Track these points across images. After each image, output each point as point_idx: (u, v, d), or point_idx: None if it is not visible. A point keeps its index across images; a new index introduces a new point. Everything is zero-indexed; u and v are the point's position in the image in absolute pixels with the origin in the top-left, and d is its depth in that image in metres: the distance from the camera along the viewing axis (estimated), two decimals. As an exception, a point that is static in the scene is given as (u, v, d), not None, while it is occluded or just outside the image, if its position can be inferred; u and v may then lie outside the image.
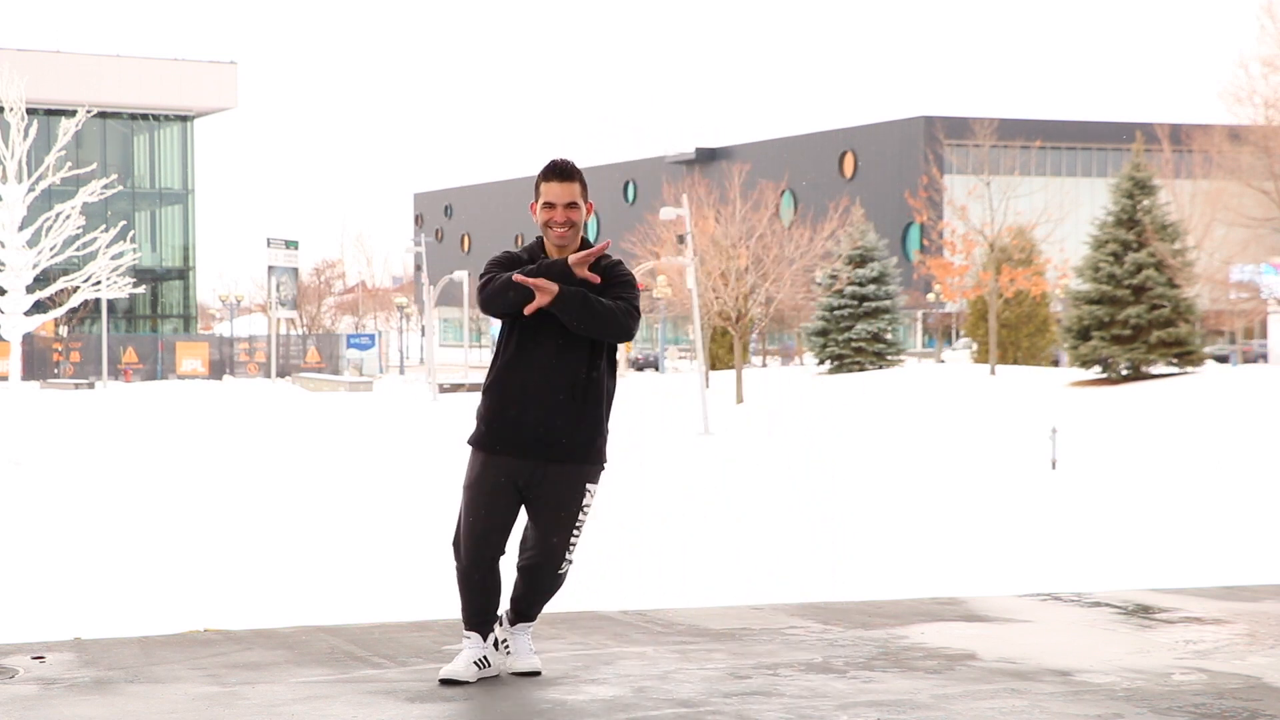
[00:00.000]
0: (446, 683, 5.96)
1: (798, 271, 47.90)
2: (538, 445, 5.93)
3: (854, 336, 54.61)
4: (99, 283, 28.55)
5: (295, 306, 76.54)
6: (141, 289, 33.43)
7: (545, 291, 5.76)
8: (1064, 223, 55.63)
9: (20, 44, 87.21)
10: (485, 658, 6.06)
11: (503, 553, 6.05)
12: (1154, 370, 42.99)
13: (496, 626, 6.16)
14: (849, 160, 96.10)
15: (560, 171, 5.96)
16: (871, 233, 56.56)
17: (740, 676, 6.12)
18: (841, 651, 6.60)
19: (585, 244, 6.03)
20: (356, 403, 46.96)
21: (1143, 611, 7.72)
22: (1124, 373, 43.04)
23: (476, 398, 6.22)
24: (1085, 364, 43.36)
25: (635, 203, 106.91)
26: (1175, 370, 42.96)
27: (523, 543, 6.10)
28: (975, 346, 61.69)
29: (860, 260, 55.70)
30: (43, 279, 37.62)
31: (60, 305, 31.03)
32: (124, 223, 37.53)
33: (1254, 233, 37.89)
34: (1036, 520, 15.01)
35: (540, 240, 6.06)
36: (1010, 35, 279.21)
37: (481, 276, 6.01)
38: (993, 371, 47.99)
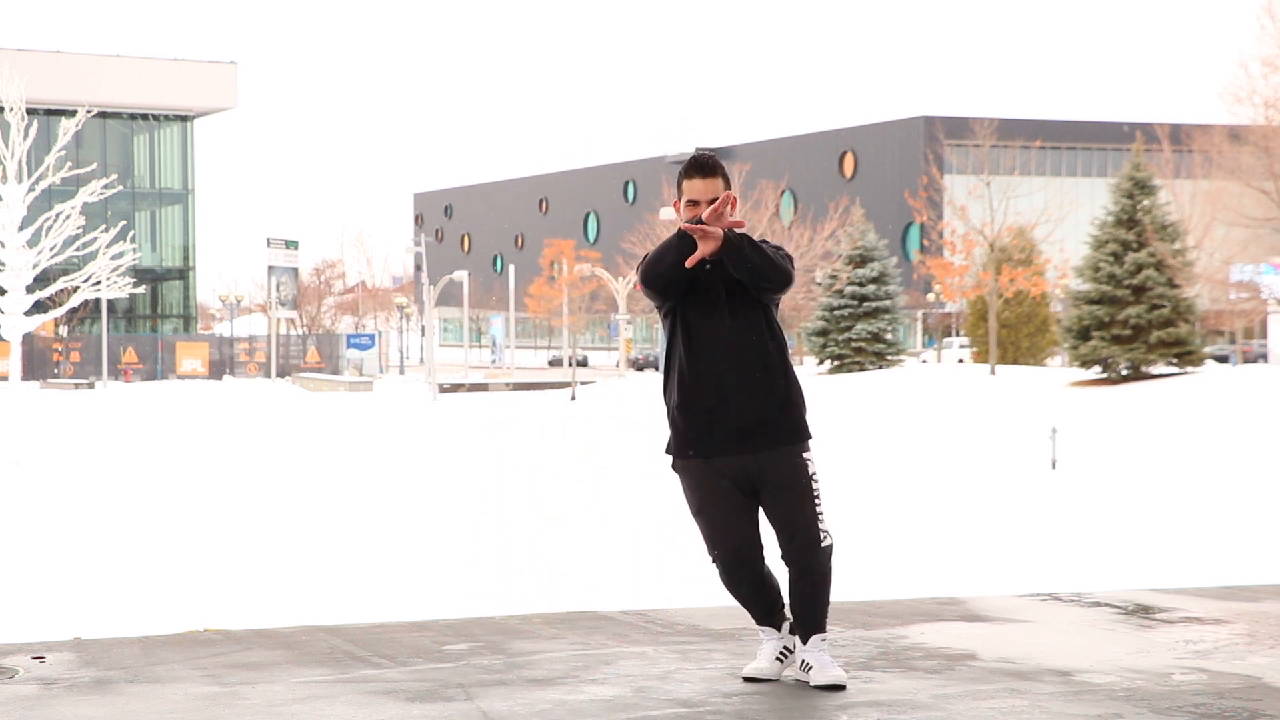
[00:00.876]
0: (750, 680, 5.93)
1: (798, 271, 47.95)
2: (749, 437, 5.75)
3: (854, 336, 54.63)
4: (99, 283, 28.56)
5: (295, 306, 76.55)
6: (141, 289, 33.43)
7: (711, 238, 5.54)
8: (1064, 223, 55.65)
9: (20, 44, 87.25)
10: (785, 648, 6.00)
11: (762, 551, 5.90)
12: (1154, 370, 43.00)
13: (796, 646, 5.97)
14: (849, 160, 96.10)
15: (703, 167, 5.82)
16: (871, 233, 56.59)
17: (740, 676, 6.11)
18: (841, 651, 6.60)
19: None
20: (356, 403, 46.96)
21: (1143, 611, 7.72)
22: (1124, 373, 43.05)
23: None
24: (1085, 364, 43.38)
25: (635, 203, 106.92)
26: (1175, 370, 42.97)
27: (779, 540, 5.89)
28: (954, 343, 61.83)
29: (860, 260, 55.71)
30: (43, 279, 37.62)
31: (60, 305, 31.05)
32: (124, 223, 37.54)
33: (1254, 233, 37.92)
34: (1036, 520, 15.00)
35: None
36: (1010, 35, 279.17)
37: (641, 263, 5.82)
38: (993, 371, 48.00)
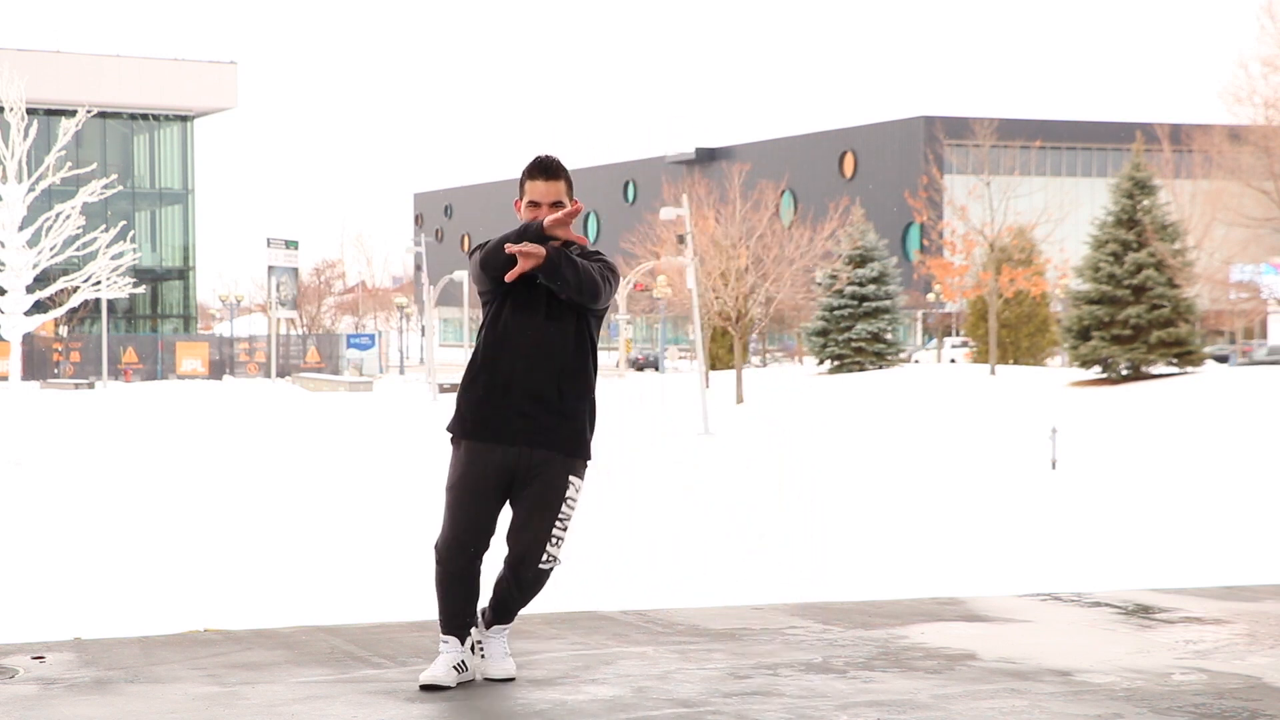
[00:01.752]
0: (428, 688, 5.89)
1: (798, 271, 47.91)
2: (524, 431, 5.86)
3: (854, 336, 54.64)
4: (99, 283, 28.55)
5: (295, 306, 76.56)
6: (141, 289, 33.43)
7: (533, 256, 5.66)
8: (1064, 223, 55.67)
9: (20, 44, 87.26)
10: (463, 662, 6.00)
11: (486, 549, 5.97)
12: (1154, 370, 43.00)
13: (472, 629, 6.08)
14: (849, 160, 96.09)
15: (545, 169, 5.92)
16: (871, 233, 56.60)
17: (740, 676, 6.12)
18: (841, 651, 6.60)
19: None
20: (356, 403, 46.96)
21: (1143, 611, 7.72)
22: (1124, 373, 43.05)
23: (456, 395, 6.18)
24: (1085, 364, 43.38)
25: (635, 203, 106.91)
26: (1175, 370, 42.98)
27: (508, 539, 6.02)
28: (948, 343, 61.82)
29: (860, 260, 55.72)
30: (43, 279, 37.63)
31: (60, 305, 31.04)
32: (124, 223, 37.53)
33: (1254, 233, 37.92)
34: (1036, 520, 15.00)
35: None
36: (1010, 35, 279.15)
37: (474, 250, 5.96)
38: (993, 371, 48.00)
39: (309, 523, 14.76)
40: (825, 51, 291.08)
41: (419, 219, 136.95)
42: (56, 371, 64.82)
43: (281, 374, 67.66)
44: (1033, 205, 55.89)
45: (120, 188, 40.79)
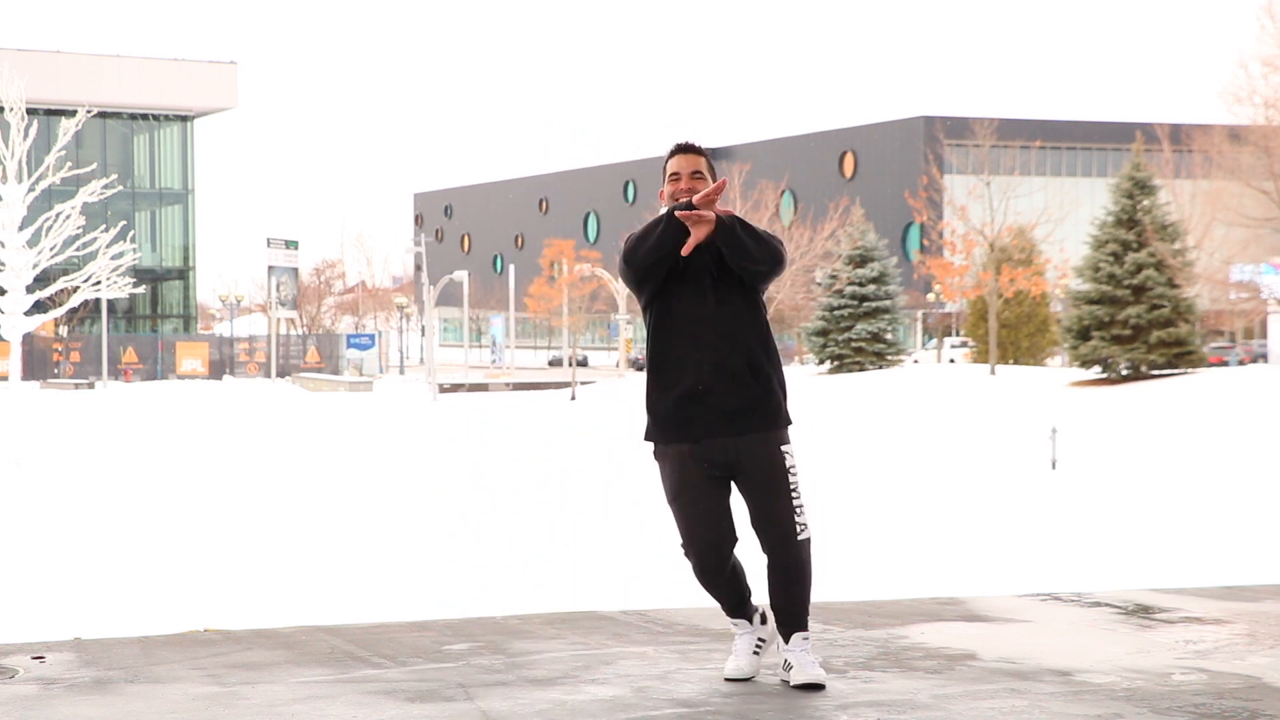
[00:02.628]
0: (732, 681, 5.91)
1: (798, 271, 47.93)
2: (728, 422, 5.71)
3: (854, 336, 54.63)
4: (99, 283, 28.57)
5: (295, 306, 76.54)
6: (141, 289, 33.44)
7: (705, 221, 5.52)
8: (1064, 223, 55.65)
9: (20, 44, 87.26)
10: (760, 639, 6.00)
11: (734, 543, 5.87)
12: (1154, 370, 43.01)
13: (778, 645, 5.96)
14: (849, 160, 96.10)
15: (684, 147, 5.88)
16: (871, 233, 56.59)
17: (739, 677, 6.11)
18: (841, 651, 6.60)
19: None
20: (356, 403, 46.96)
21: (1143, 611, 7.72)
22: (1124, 373, 43.05)
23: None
24: (1085, 364, 43.39)
25: (635, 203, 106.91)
26: (1175, 370, 42.98)
27: (756, 532, 5.86)
28: (947, 343, 61.82)
29: (860, 260, 55.72)
30: (43, 279, 37.63)
31: (60, 305, 31.05)
32: (124, 223, 37.55)
33: (1254, 233, 37.92)
34: (1036, 520, 15.01)
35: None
36: (1010, 35, 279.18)
37: (626, 243, 5.77)
38: (993, 371, 48.01)
39: (309, 523, 14.76)
40: (825, 51, 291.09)
41: (419, 219, 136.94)
42: (56, 371, 64.82)
43: (281, 374, 67.66)
44: (1033, 205, 55.88)
45: (120, 188, 40.80)
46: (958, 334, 78.41)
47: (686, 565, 6.02)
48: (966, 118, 65.57)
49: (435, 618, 7.69)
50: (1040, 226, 54.25)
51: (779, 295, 46.82)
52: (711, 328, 5.73)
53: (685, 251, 5.58)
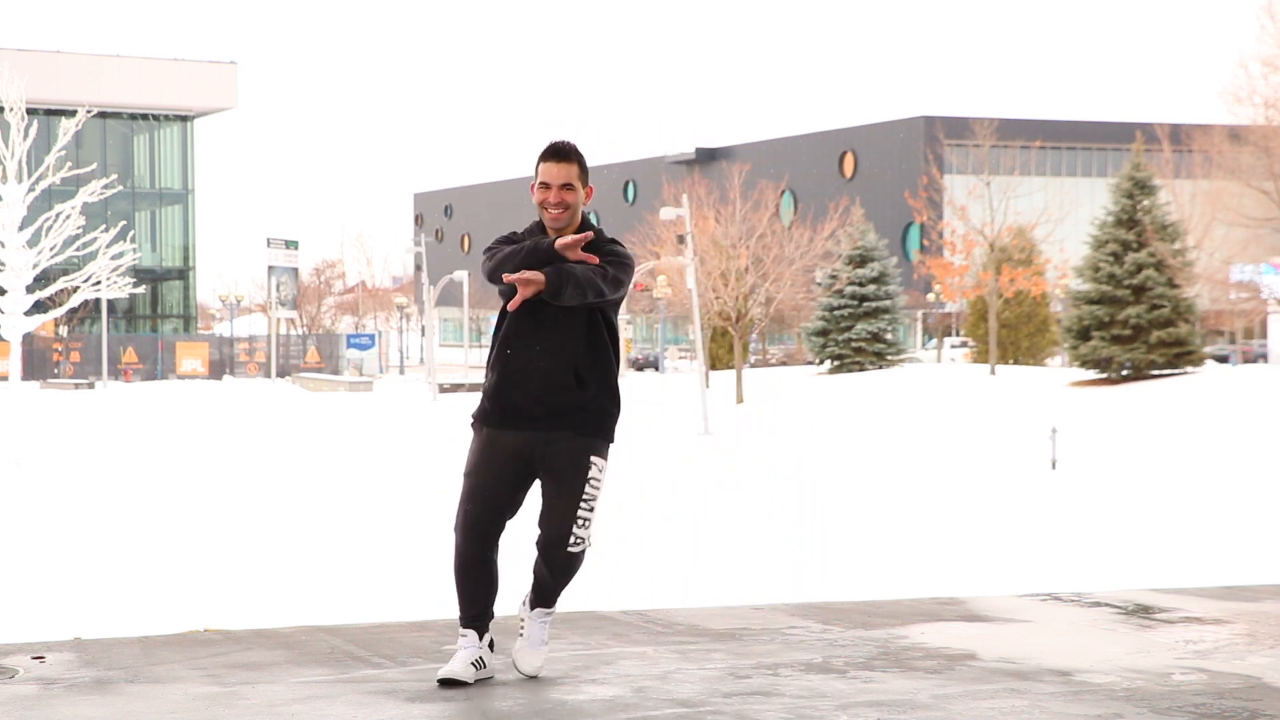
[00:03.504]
0: (445, 683, 5.93)
1: (798, 271, 47.91)
2: (545, 418, 5.90)
3: (854, 336, 54.63)
4: (99, 283, 28.56)
5: (295, 306, 76.54)
6: (141, 289, 33.43)
7: (533, 283, 5.72)
8: (1064, 223, 55.65)
9: (20, 44, 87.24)
10: (481, 658, 6.03)
11: (499, 533, 6.00)
12: (1154, 370, 43.01)
13: (519, 607, 6.15)
14: (849, 160, 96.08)
15: (557, 152, 5.94)
16: (871, 233, 56.58)
17: (740, 676, 6.12)
18: (841, 651, 6.60)
19: (586, 224, 6.01)
20: (356, 403, 46.96)
21: (1143, 611, 7.72)
22: (1124, 373, 43.05)
23: (477, 398, 6.20)
24: (1085, 364, 43.39)
25: (635, 203, 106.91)
26: (1175, 370, 42.99)
27: (538, 523, 6.04)
28: (947, 343, 61.82)
29: (860, 260, 55.71)
30: (43, 279, 37.61)
31: (60, 305, 31.05)
32: (124, 223, 37.53)
33: (1254, 233, 37.90)
34: (1036, 520, 15.01)
35: (539, 223, 6.03)
36: (1010, 35, 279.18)
37: (486, 251, 5.99)
38: (993, 371, 48.00)
39: (309, 523, 14.76)
40: (825, 51, 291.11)
41: (419, 219, 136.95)
42: (56, 371, 64.82)
43: (281, 374, 67.67)
44: (1033, 205, 55.87)
45: (120, 188, 40.80)
46: (958, 334, 78.41)
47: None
48: (966, 118, 65.55)
49: (435, 618, 7.68)
50: (1040, 226, 54.24)
51: (779, 295, 46.77)
52: (549, 331, 5.90)
53: (510, 308, 5.83)
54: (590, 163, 6.14)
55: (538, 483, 6.04)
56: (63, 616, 8.94)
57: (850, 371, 54.36)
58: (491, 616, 6.12)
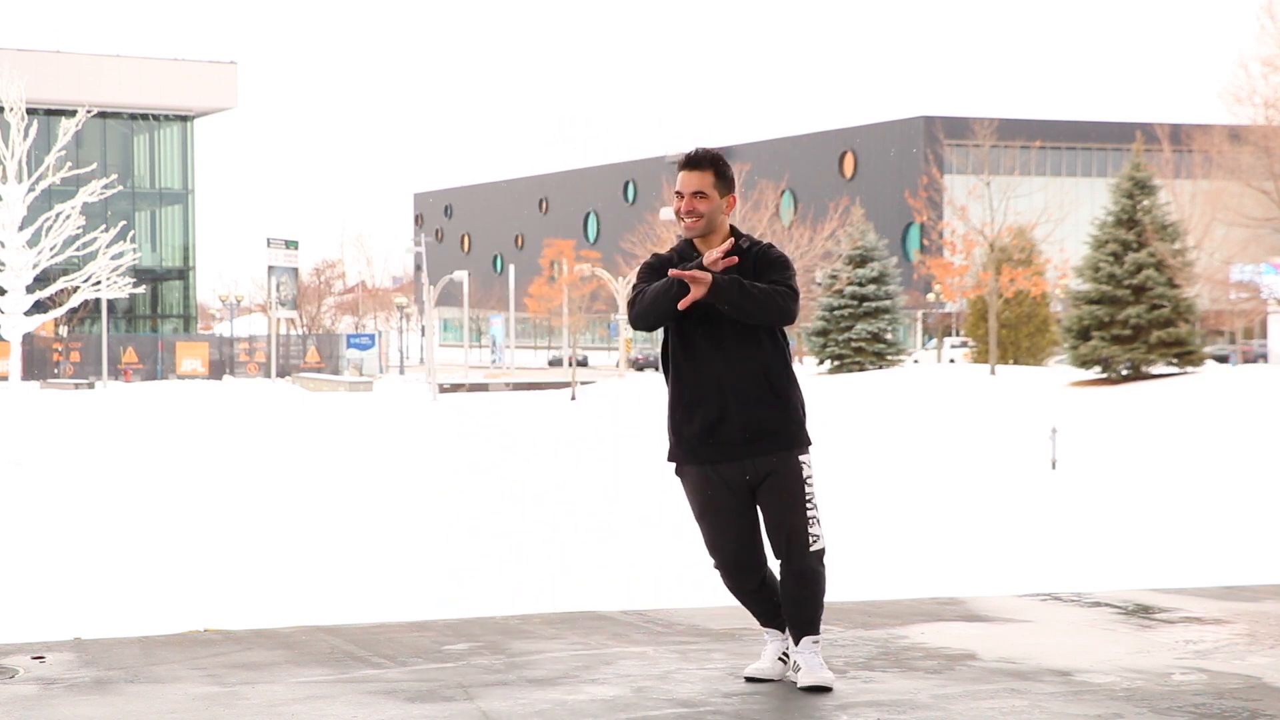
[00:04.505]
0: (752, 680, 5.94)
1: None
2: (749, 442, 5.77)
3: (854, 336, 54.62)
4: (99, 283, 28.56)
5: (295, 306, 76.53)
6: (141, 289, 33.43)
7: (700, 283, 5.57)
8: (1064, 223, 55.64)
9: (20, 44, 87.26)
10: (786, 652, 6.01)
11: (764, 557, 5.93)
12: (1154, 370, 43.00)
13: (788, 648, 6.00)
14: (849, 160, 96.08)
15: (690, 160, 5.85)
16: (871, 233, 56.58)
17: (740, 676, 6.11)
18: (841, 651, 6.60)
19: (734, 232, 5.91)
20: (356, 403, 46.95)
21: (1143, 611, 7.72)
22: (1124, 373, 43.05)
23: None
24: (1085, 364, 43.38)
25: (635, 203, 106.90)
26: (1175, 370, 42.98)
27: (770, 543, 5.93)
28: (947, 343, 61.79)
29: (860, 260, 55.71)
30: (43, 279, 37.62)
31: (60, 305, 31.06)
32: (124, 223, 37.53)
33: (1254, 233, 37.91)
34: (1036, 520, 15.00)
35: (688, 242, 5.91)
36: (1010, 35, 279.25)
37: (633, 289, 5.84)
38: (993, 371, 48.00)
39: (309, 523, 14.76)
40: (825, 51, 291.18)
41: (419, 219, 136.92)
42: (56, 371, 64.81)
43: (281, 374, 67.66)
44: (1033, 205, 55.87)
45: (120, 188, 40.81)
46: (958, 334, 78.38)
47: (687, 565, 6.03)
48: (966, 118, 65.55)
49: (435, 618, 7.69)
50: (1040, 226, 54.23)
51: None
52: (726, 350, 5.77)
53: (681, 307, 5.64)
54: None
55: None
56: (63, 616, 8.94)
57: (850, 371, 54.35)
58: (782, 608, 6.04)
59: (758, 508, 5.92)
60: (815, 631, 5.91)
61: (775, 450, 5.81)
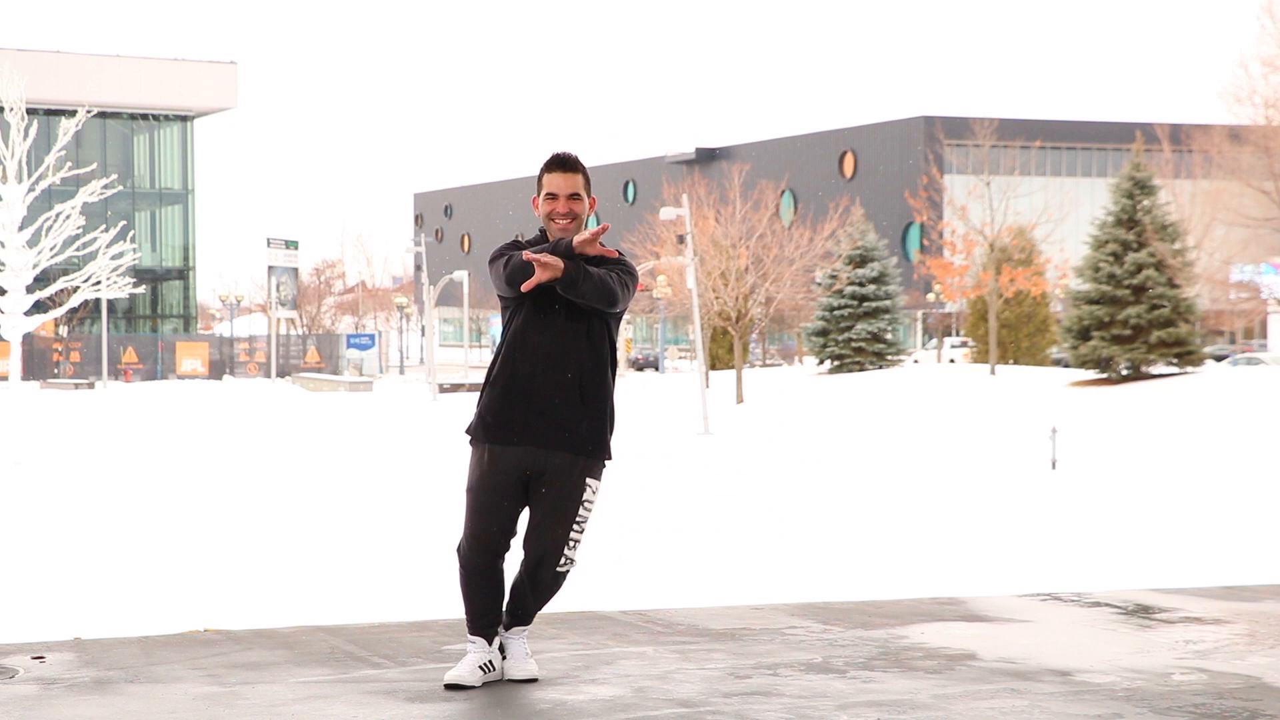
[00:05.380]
0: (452, 688, 5.94)
1: (798, 271, 47.88)
2: (544, 433, 5.89)
3: (854, 336, 54.61)
4: (99, 283, 28.56)
5: (295, 306, 76.53)
6: (141, 289, 33.43)
7: (551, 268, 5.71)
8: (1064, 223, 55.64)
9: (20, 44, 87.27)
10: (490, 662, 6.04)
11: (507, 550, 6.03)
12: (1154, 370, 42.99)
13: (500, 633, 6.12)
14: (849, 160, 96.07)
15: (562, 163, 5.99)
16: (871, 233, 56.57)
17: (740, 676, 6.12)
18: (841, 651, 6.60)
19: None
20: (356, 403, 46.95)
21: (1143, 611, 7.72)
22: (1124, 373, 43.04)
23: (477, 398, 6.19)
24: (1085, 364, 43.38)
25: (635, 203, 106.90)
26: (1175, 370, 42.97)
27: (524, 541, 6.07)
28: (947, 343, 61.79)
29: (860, 260, 55.70)
30: (43, 279, 37.64)
31: (60, 305, 31.05)
32: (124, 223, 37.51)
33: (1254, 233, 37.89)
34: (1036, 520, 15.00)
35: (542, 233, 6.06)
36: (1010, 35, 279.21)
37: (495, 258, 5.99)
38: (993, 371, 47.99)
39: (309, 523, 14.76)
40: (825, 51, 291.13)
41: (419, 219, 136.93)
42: (56, 371, 64.80)
43: (281, 374, 67.65)
44: (1033, 205, 55.86)
45: (120, 188, 40.79)
46: (958, 334, 78.37)
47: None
48: (966, 118, 65.54)
49: (435, 618, 7.69)
50: (1040, 226, 54.23)
51: (779, 295, 46.78)
52: (552, 344, 5.91)
53: (525, 288, 5.80)
54: (590, 163, 6.19)
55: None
56: (63, 616, 8.93)
57: (850, 371, 54.34)
58: (500, 621, 6.13)
59: (525, 504, 6.00)
60: (528, 624, 6.13)
61: (566, 450, 5.91)
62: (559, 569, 6.01)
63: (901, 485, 18.76)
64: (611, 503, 16.58)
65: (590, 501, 6.00)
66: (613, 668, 6.27)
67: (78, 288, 28.75)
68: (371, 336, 74.30)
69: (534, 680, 6.04)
